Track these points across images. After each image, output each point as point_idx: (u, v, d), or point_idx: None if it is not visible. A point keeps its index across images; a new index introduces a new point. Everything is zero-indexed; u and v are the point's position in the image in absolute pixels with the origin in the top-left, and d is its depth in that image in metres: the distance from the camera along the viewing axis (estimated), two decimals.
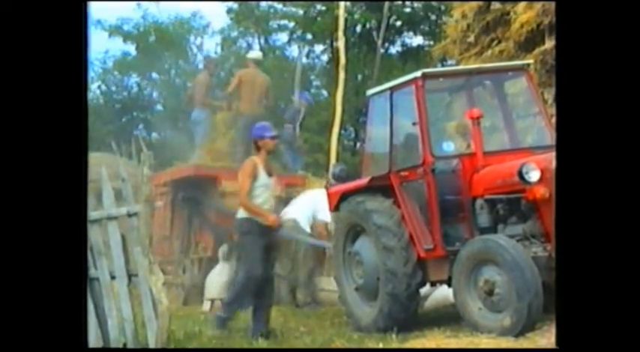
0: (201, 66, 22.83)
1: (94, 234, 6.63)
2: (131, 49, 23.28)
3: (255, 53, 13.50)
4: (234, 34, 23.24)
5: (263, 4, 22.21)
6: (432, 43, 19.37)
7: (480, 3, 10.98)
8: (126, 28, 22.94)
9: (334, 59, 18.26)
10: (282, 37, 23.11)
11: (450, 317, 7.14)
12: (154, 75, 23.62)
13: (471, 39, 11.11)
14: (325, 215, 9.57)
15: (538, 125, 7.57)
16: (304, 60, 19.54)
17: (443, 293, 7.93)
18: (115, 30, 22.70)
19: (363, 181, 7.63)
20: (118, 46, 24.08)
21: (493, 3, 10.83)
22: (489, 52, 10.55)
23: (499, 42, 10.53)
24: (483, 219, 6.84)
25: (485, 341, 5.88)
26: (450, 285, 6.85)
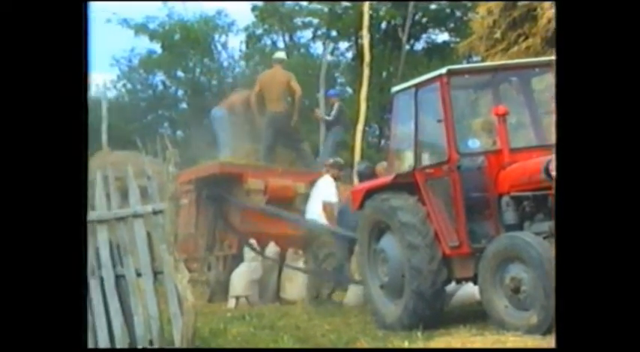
0: (225, 64, 22.98)
1: (120, 232, 6.68)
2: (156, 47, 23.39)
3: (279, 53, 13.48)
4: (259, 31, 23.26)
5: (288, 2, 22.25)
6: (457, 39, 19.28)
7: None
8: (151, 26, 23.03)
9: (359, 56, 18.22)
10: (307, 35, 23.13)
11: (475, 315, 7.10)
12: (179, 73, 23.71)
13: (498, 35, 11.02)
14: (329, 196, 9.81)
15: None
16: (329, 57, 19.45)
17: (469, 291, 7.90)
18: (141, 28, 22.80)
19: (388, 178, 7.60)
20: (144, 45, 24.06)
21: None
22: (516, 48, 10.47)
23: (526, 38, 10.44)
24: (509, 216, 6.80)
25: (511, 339, 5.84)
26: (475, 283, 6.82)
